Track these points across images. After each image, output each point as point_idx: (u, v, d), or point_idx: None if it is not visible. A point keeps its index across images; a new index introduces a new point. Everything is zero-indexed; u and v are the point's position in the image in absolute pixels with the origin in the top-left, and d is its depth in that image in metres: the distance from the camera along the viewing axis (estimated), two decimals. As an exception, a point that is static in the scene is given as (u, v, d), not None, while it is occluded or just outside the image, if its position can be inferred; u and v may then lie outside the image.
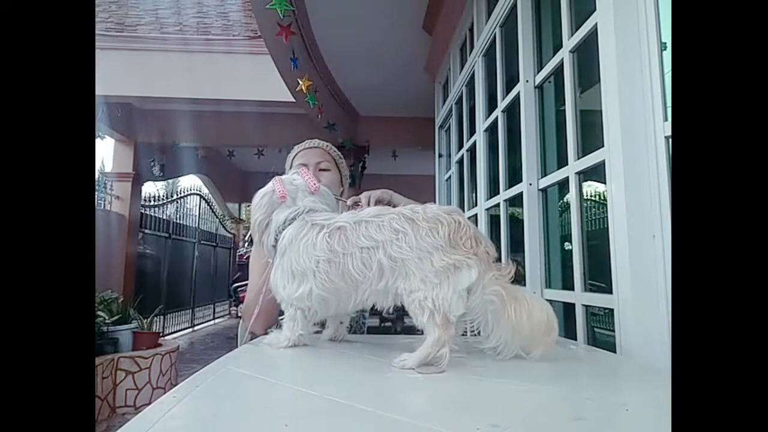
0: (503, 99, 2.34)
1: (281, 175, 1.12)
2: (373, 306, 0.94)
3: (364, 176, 6.36)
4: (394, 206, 1.31)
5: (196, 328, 9.36)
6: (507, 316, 0.85)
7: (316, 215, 0.98)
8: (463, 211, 3.15)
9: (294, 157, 1.44)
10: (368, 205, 1.22)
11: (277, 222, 1.01)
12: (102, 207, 6.18)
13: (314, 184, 1.06)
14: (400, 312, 0.93)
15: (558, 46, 1.76)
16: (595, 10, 1.42)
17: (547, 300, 1.87)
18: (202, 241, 9.89)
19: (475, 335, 0.93)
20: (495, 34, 2.47)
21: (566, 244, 1.81)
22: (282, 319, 1.00)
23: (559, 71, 1.75)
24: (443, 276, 0.83)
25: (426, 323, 0.83)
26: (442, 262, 0.83)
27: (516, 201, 2.21)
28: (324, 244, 0.91)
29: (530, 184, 1.97)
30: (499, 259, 0.90)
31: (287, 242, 0.96)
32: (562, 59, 1.68)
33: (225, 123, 6.42)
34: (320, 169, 1.40)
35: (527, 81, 2.03)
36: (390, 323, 4.71)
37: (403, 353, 0.84)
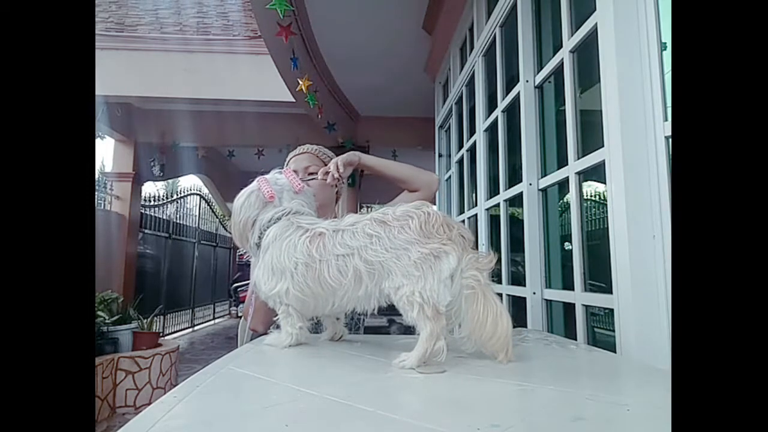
0: (503, 99, 2.34)
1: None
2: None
3: (364, 176, 6.36)
4: (367, 167, 1.35)
5: (196, 328, 9.36)
6: (475, 308, 0.86)
7: (301, 218, 1.00)
8: (463, 211, 3.15)
9: (286, 165, 1.46)
10: (338, 171, 1.24)
11: (261, 221, 1.02)
12: (102, 207, 6.17)
13: (298, 184, 1.07)
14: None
15: (558, 46, 1.76)
16: (595, 10, 1.42)
17: (547, 300, 1.89)
18: (202, 241, 9.89)
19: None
20: (495, 34, 2.47)
21: (566, 244, 1.81)
22: (278, 319, 1.00)
23: (559, 71, 1.75)
24: (424, 267, 0.84)
25: (417, 318, 0.84)
26: (419, 253, 0.84)
27: (516, 201, 2.21)
28: (304, 247, 0.93)
29: (530, 184, 1.97)
30: (499, 262, 0.91)
31: (271, 240, 0.98)
32: (562, 59, 1.68)
33: (225, 123, 6.42)
34: (309, 173, 1.41)
35: (527, 81, 2.03)
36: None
37: (402, 353, 0.84)
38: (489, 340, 0.86)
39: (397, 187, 1.43)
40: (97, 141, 6.01)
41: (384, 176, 1.40)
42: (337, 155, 1.46)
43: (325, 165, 1.48)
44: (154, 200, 7.67)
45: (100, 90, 4.95)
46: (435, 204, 3.99)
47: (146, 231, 7.27)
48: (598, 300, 1.45)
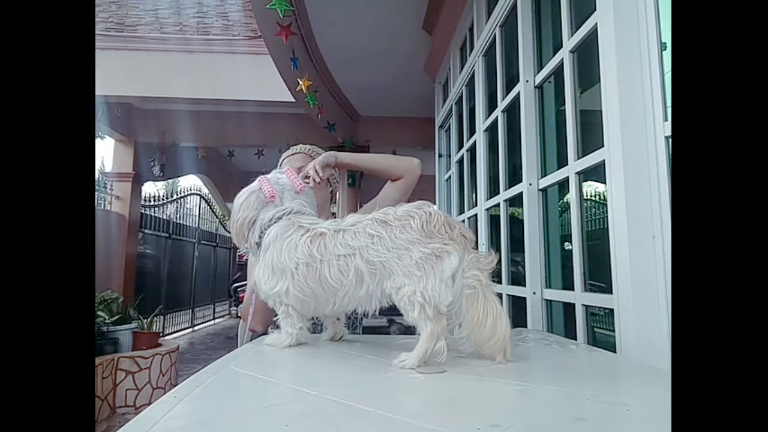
0: (503, 99, 2.34)
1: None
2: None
3: (363, 176, 6.36)
4: (345, 164, 1.34)
5: (196, 328, 9.36)
6: (475, 308, 0.86)
7: (302, 218, 1.00)
8: (463, 211, 3.15)
9: (280, 166, 1.47)
10: (317, 175, 1.25)
11: (262, 220, 1.02)
12: (102, 207, 6.17)
13: (299, 184, 1.07)
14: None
15: (558, 46, 1.76)
16: (595, 10, 1.42)
17: (547, 300, 1.89)
18: (202, 241, 9.89)
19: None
20: (495, 34, 2.47)
21: (566, 244, 1.81)
22: (278, 319, 1.00)
23: (559, 71, 1.75)
24: (426, 267, 0.84)
25: (418, 318, 0.84)
26: (421, 253, 0.85)
27: (516, 201, 2.21)
28: (305, 247, 0.93)
29: (530, 184, 1.97)
30: (499, 262, 0.90)
31: (272, 239, 0.98)
32: (562, 59, 1.68)
33: (225, 123, 6.42)
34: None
35: (527, 81, 2.03)
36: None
37: (403, 353, 0.84)
38: (487, 342, 0.86)
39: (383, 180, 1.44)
40: (97, 141, 6.01)
41: (366, 170, 1.42)
42: None
43: None
44: (154, 200, 7.67)
45: (100, 90, 4.95)
46: (435, 204, 3.99)
47: (146, 231, 7.27)
48: (598, 300, 1.45)
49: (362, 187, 6.54)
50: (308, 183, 1.24)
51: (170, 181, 11.09)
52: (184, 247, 9.02)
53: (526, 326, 1.91)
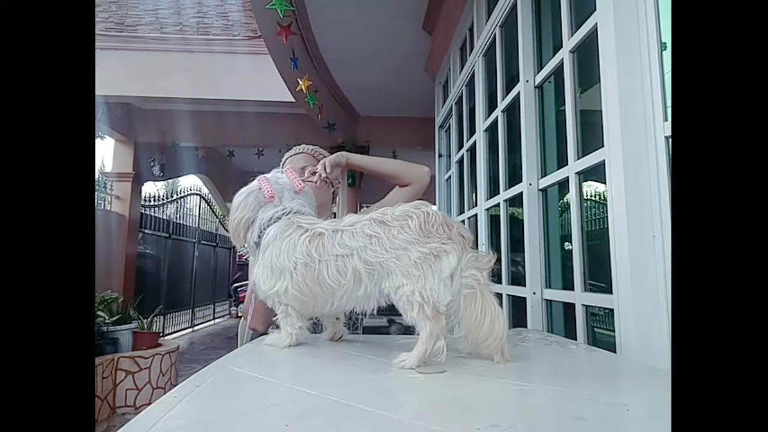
0: (503, 99, 2.34)
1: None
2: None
3: (364, 176, 6.36)
4: (355, 166, 1.35)
5: (196, 328, 9.36)
6: (473, 307, 0.86)
7: (301, 217, 1.00)
8: (463, 211, 3.15)
9: (282, 165, 1.47)
10: (325, 171, 1.24)
11: (262, 220, 1.02)
12: (102, 207, 6.17)
13: (299, 184, 1.07)
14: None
15: (558, 46, 1.76)
16: (595, 10, 1.42)
17: (547, 300, 1.89)
18: (202, 241, 9.89)
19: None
20: (495, 34, 2.47)
21: (566, 244, 1.81)
22: (277, 319, 1.00)
23: (559, 71, 1.75)
24: (425, 266, 0.84)
25: (417, 318, 0.84)
26: (419, 253, 0.85)
27: (516, 201, 2.21)
28: (304, 247, 0.93)
29: (530, 184, 1.97)
30: (499, 262, 0.91)
31: (271, 238, 0.98)
32: (562, 59, 1.68)
33: (225, 123, 6.41)
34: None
35: (527, 81, 2.03)
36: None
37: (402, 353, 0.84)
38: (485, 341, 0.86)
39: (390, 184, 1.44)
40: (97, 141, 6.01)
41: (374, 174, 1.41)
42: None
43: None
44: (154, 200, 7.67)
45: (100, 90, 4.95)
46: (435, 204, 3.99)
47: (146, 231, 7.27)
48: (598, 300, 1.45)
49: (362, 187, 6.54)
50: (314, 180, 1.24)
51: (170, 181, 11.09)
52: (184, 247, 9.02)
53: (526, 326, 1.91)
